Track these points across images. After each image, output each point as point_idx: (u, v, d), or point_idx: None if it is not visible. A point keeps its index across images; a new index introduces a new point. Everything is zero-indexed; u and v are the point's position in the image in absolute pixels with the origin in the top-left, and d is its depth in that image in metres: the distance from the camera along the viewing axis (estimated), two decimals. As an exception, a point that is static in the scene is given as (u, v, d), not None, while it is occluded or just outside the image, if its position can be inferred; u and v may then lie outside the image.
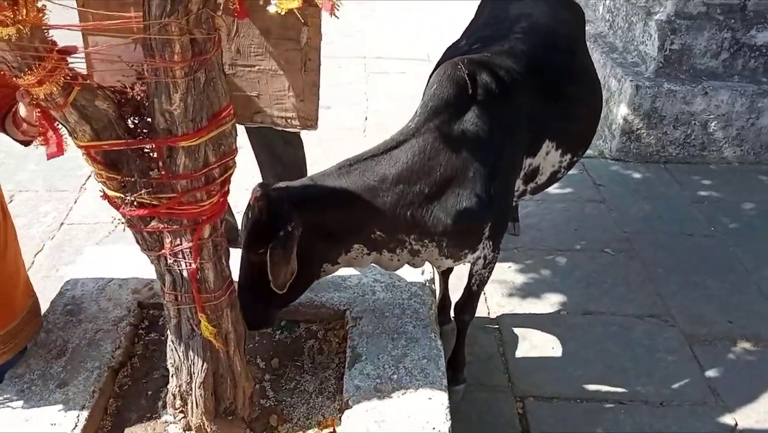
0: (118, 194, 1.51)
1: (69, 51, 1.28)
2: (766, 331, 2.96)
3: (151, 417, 1.98)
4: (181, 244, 1.61)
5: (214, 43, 1.29)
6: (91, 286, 2.37)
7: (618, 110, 4.25)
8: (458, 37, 2.61)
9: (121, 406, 2.03)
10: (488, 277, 2.26)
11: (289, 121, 1.59)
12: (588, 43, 4.65)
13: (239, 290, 1.87)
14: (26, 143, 1.85)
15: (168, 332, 1.83)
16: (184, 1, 1.15)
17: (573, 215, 3.76)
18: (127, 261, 2.41)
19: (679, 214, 3.79)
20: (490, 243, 2.10)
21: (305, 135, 4.29)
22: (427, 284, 2.35)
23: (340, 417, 1.91)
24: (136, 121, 1.44)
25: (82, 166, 2.38)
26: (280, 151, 2.83)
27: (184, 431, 1.92)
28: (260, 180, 3.04)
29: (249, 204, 1.86)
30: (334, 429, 1.92)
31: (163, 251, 1.63)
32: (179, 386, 1.87)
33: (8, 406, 1.91)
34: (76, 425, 1.86)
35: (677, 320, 3.01)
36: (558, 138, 2.28)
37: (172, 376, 1.88)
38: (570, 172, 4.04)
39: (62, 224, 3.60)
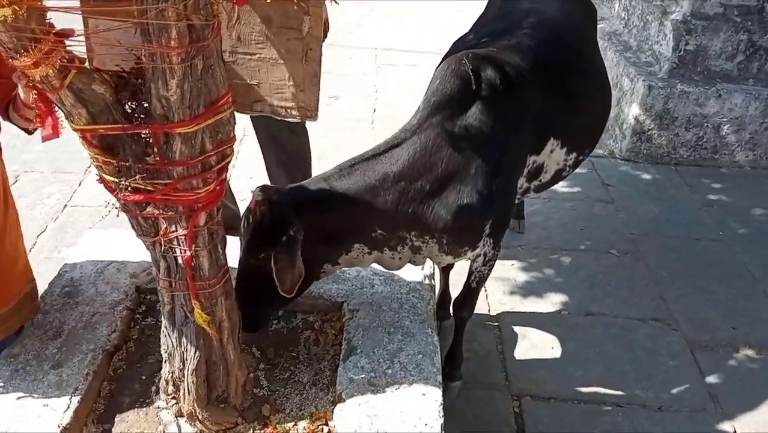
0: (113, 179, 1.50)
1: (66, 34, 1.27)
2: (770, 339, 2.93)
3: (144, 402, 1.99)
4: (176, 231, 1.60)
5: (213, 29, 1.28)
6: (90, 269, 2.38)
7: (630, 110, 4.19)
8: (467, 31, 2.58)
9: (115, 389, 2.04)
10: (488, 274, 2.24)
11: (288, 111, 1.57)
12: (602, 42, 4.63)
13: (236, 294, 1.86)
14: (31, 131, 1.85)
15: (162, 317, 1.83)
16: (181, -14, 1.13)
17: (580, 215, 3.72)
18: (126, 245, 2.41)
19: (687, 217, 3.74)
20: (491, 240, 2.08)
21: (313, 125, 4.29)
22: (426, 279, 2.34)
23: (333, 410, 1.91)
24: (134, 106, 1.43)
25: (86, 149, 2.38)
26: (284, 139, 2.81)
27: (176, 417, 1.92)
28: (264, 168, 3.04)
29: (248, 208, 1.85)
30: (326, 421, 1.92)
31: (158, 237, 1.63)
32: (172, 373, 1.87)
33: (1, 387, 1.91)
34: (68, 407, 1.86)
35: (680, 325, 2.98)
36: (563, 136, 2.25)
37: (165, 362, 1.89)
38: (579, 171, 4.02)
39: (66, 205, 3.61)
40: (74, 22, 1.44)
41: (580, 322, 2.97)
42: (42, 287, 2.27)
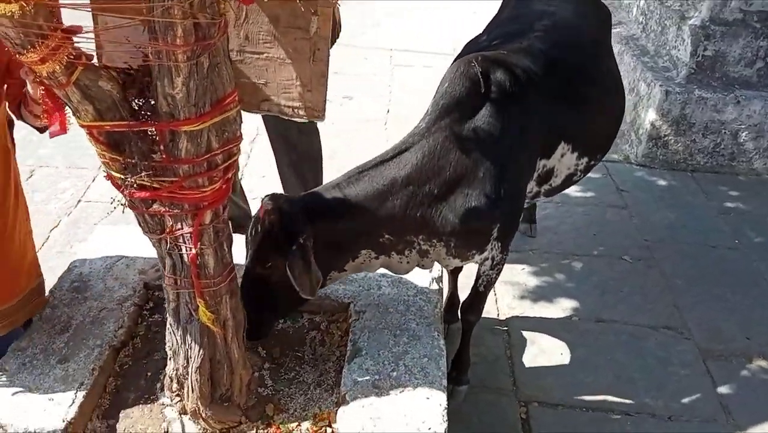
0: (120, 175, 1.51)
1: (74, 30, 1.27)
2: (785, 350, 2.87)
3: (149, 398, 1.99)
4: (182, 228, 1.60)
5: (219, 28, 1.27)
6: (99, 264, 2.39)
7: (646, 115, 4.14)
8: (480, 32, 2.56)
9: (121, 385, 2.04)
10: (496, 278, 2.21)
11: (295, 110, 1.57)
12: (619, 46, 4.59)
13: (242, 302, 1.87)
14: (43, 130, 1.87)
15: (167, 315, 1.83)
16: (187, -16, 1.13)
17: (593, 220, 3.68)
18: (136, 241, 2.41)
19: (703, 224, 3.69)
20: (499, 244, 2.06)
21: (326, 125, 4.30)
22: (434, 282, 2.32)
23: (336, 411, 1.90)
24: (140, 104, 1.43)
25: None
26: (294, 139, 2.81)
27: (180, 414, 1.92)
28: (276, 168, 3.04)
29: (256, 217, 1.84)
30: (329, 423, 1.91)
31: (164, 234, 1.63)
32: (176, 370, 1.87)
33: (8, 379, 1.93)
34: (74, 402, 1.87)
35: (693, 333, 2.93)
36: (574, 140, 2.22)
37: (169, 359, 1.89)
38: (593, 175, 4.02)
39: (79, 201, 3.64)
40: (85, 19, 1.45)
41: (591, 328, 2.93)
42: (53, 281, 2.29)
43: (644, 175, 4.14)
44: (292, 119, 1.60)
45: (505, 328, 2.91)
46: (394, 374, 1.96)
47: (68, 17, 1.42)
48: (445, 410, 1.86)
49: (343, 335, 2.20)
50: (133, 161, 1.46)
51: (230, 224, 3.15)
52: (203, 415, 1.86)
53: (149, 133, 1.46)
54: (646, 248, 3.46)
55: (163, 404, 1.96)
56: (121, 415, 1.95)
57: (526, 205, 2.26)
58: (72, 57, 1.25)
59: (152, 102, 1.41)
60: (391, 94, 4.87)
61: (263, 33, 1.46)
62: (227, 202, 1.67)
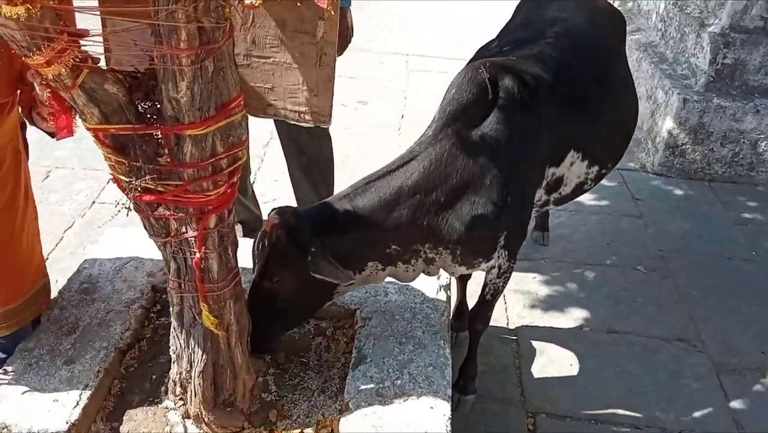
0: (125, 178, 1.51)
1: (80, 34, 1.27)
2: (802, 366, 2.81)
3: (153, 401, 1.99)
4: (187, 232, 1.60)
5: (224, 32, 1.27)
6: (108, 266, 2.40)
7: (663, 123, 4.09)
8: (493, 38, 2.54)
9: (126, 387, 2.04)
10: (503, 287, 2.19)
11: (302, 115, 1.56)
12: (637, 52, 4.54)
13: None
14: (54, 134, 1.87)
15: (171, 318, 1.83)
16: (191, -12, 1.13)
17: (607, 229, 3.64)
18: (146, 244, 2.39)
19: (719, 235, 3.63)
20: (506, 252, 2.03)
21: (340, 130, 4.31)
22: (442, 290, 2.30)
23: (339, 419, 1.88)
24: (146, 107, 1.43)
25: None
26: (304, 144, 2.81)
27: (183, 418, 1.91)
28: (288, 172, 3.04)
29: (264, 231, 1.84)
30: (332, 430, 1.89)
31: (169, 238, 1.63)
32: (179, 374, 1.87)
33: (14, 380, 1.94)
34: (78, 404, 1.87)
35: (707, 346, 2.88)
36: (584, 149, 2.19)
37: (173, 363, 1.88)
38: (608, 184, 3.98)
39: (93, 202, 3.66)
40: (96, 22, 1.46)
41: (602, 339, 2.89)
42: (65, 282, 2.30)
43: (660, 184, 4.08)
44: (299, 124, 1.59)
45: (515, 337, 2.88)
46: (399, 382, 1.94)
47: (81, 20, 1.44)
48: (449, 420, 1.84)
49: (349, 342, 2.19)
50: (138, 165, 1.45)
51: (242, 228, 3.20)
52: (206, 419, 1.85)
53: (155, 136, 1.46)
54: (661, 258, 3.41)
55: (166, 408, 1.95)
56: (125, 418, 1.95)
57: (535, 214, 2.23)
58: (78, 60, 1.25)
59: (158, 106, 1.41)
60: (406, 100, 4.86)
61: (270, 37, 1.45)
62: (233, 206, 1.66)
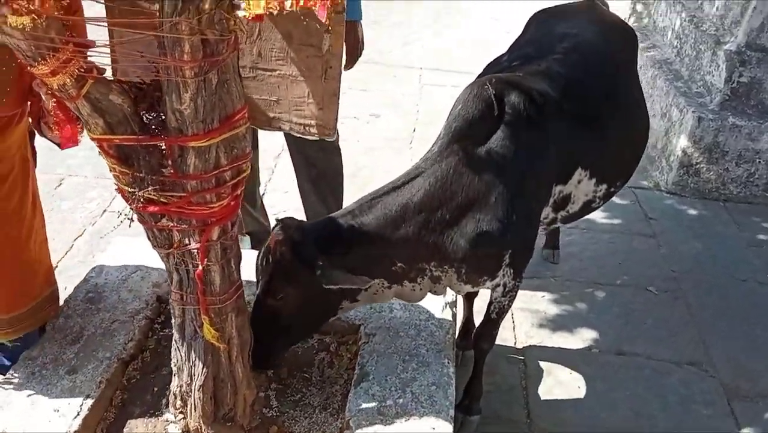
0: (129, 189, 1.50)
1: (86, 44, 1.27)
2: (817, 393, 2.74)
3: (153, 414, 1.98)
4: (189, 244, 1.59)
5: (228, 45, 1.27)
6: (115, 275, 2.40)
7: (678, 142, 4.04)
8: (502, 53, 2.52)
9: (127, 399, 2.03)
10: (509, 305, 2.15)
11: (307, 128, 1.55)
12: (652, 70, 4.50)
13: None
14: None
15: (173, 330, 1.81)
16: (195, 1, 1.12)
17: (619, 248, 3.58)
18: (153, 254, 2.40)
19: (733, 256, 3.56)
20: (511, 271, 2.00)
21: (351, 142, 4.32)
22: (447, 307, 2.27)
23: (339, 437, 1.86)
24: (151, 118, 1.43)
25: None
26: (313, 156, 2.80)
27: (183, 431, 1.90)
28: (297, 184, 3.03)
29: (267, 247, 1.82)
30: (332, 448, 1.87)
31: (172, 249, 1.62)
32: (180, 387, 1.85)
33: (17, 387, 1.93)
34: (78, 414, 1.87)
35: (718, 371, 2.82)
36: (592, 167, 2.16)
37: (174, 375, 1.87)
38: (620, 202, 3.93)
39: (105, 211, 3.68)
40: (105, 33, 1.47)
41: (611, 361, 2.84)
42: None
43: (674, 204, 4.02)
44: (304, 137, 1.58)
45: (522, 357, 2.83)
46: (401, 401, 1.91)
47: (91, 30, 1.44)
48: (451, 441, 1.81)
49: (352, 358, 2.16)
50: (142, 175, 1.45)
51: (250, 240, 3.19)
52: (205, 434, 1.84)
53: (159, 147, 1.46)
54: (673, 279, 3.36)
55: (167, 421, 1.94)
56: (125, 429, 1.93)
57: (542, 231, 2.20)
58: (82, 70, 1.25)
59: (162, 117, 1.41)
60: (419, 113, 4.85)
61: (276, 50, 1.45)
62: (237, 218, 1.65)
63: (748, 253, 3.60)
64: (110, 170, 1.51)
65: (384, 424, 1.84)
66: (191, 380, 1.80)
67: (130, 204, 1.55)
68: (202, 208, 1.53)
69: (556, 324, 3.02)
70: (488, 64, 2.43)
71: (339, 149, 2.93)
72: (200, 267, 1.61)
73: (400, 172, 2.00)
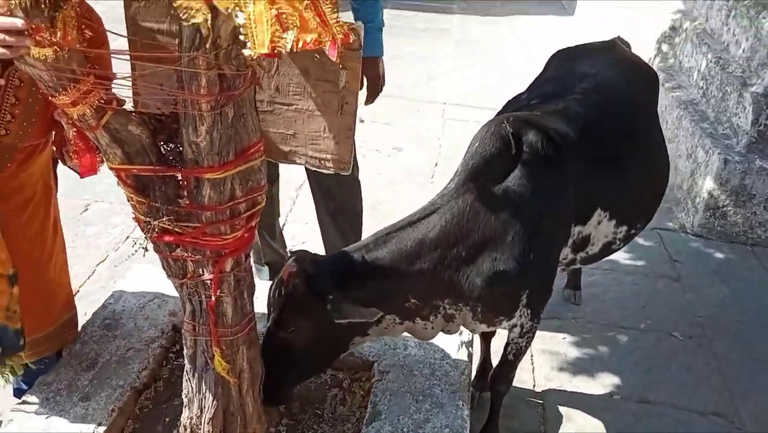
0: (145, 218, 1.51)
1: (107, 76, 1.30)
2: None
3: (163, 444, 1.96)
4: (203, 274, 1.59)
5: (245, 79, 1.28)
6: (132, 302, 2.41)
7: (703, 183, 3.98)
8: (522, 91, 2.52)
9: (138, 428, 2.02)
10: (526, 347, 2.11)
11: (322, 162, 1.56)
12: (678, 110, 4.46)
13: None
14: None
15: (185, 361, 1.81)
16: (212, 37, 1.14)
17: (642, 291, 3.51)
18: (170, 282, 2.44)
19: (761, 303, 3.45)
20: (528, 311, 1.96)
21: (372, 175, 4.33)
22: (463, 346, 2.23)
23: (348, 477, 1.82)
24: (169, 149, 1.44)
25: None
26: (332, 190, 2.82)
27: (191, 464, 1.87)
28: (317, 218, 3.04)
29: (280, 279, 1.82)
30: (340, 488, 1.82)
31: (186, 279, 1.62)
32: (190, 418, 1.83)
33: (30, 413, 1.94)
34: (88, 443, 1.86)
35: (745, 423, 2.71)
36: (612, 208, 2.13)
37: (185, 407, 1.85)
38: (645, 243, 3.86)
39: (128, 237, 3.72)
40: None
41: (633, 409, 2.75)
42: (93, 316, 2.33)
43: (700, 247, 3.94)
44: (319, 170, 1.59)
45: (541, 401, 2.76)
46: (413, 442, 1.87)
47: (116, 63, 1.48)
48: (463, 488, 1.75)
49: (365, 395, 2.13)
50: (158, 205, 1.46)
51: (269, 270, 3.19)
52: (213, 468, 1.81)
53: (176, 178, 1.47)
54: (698, 325, 3.26)
55: (176, 452, 1.92)
56: (134, 459, 1.92)
57: (561, 272, 2.16)
58: (102, 101, 1.28)
59: (179, 148, 1.42)
60: (441, 148, 4.86)
61: (293, 85, 1.47)
62: (250, 250, 1.65)
63: (776, 299, 3.50)
64: (128, 199, 1.53)
65: (394, 466, 1.79)
66: (201, 412, 1.78)
67: (146, 233, 1.56)
68: (216, 239, 1.53)
69: (576, 368, 2.95)
70: (507, 102, 2.43)
71: (359, 182, 2.94)
72: (212, 298, 1.60)
73: (420, 205, 1.98)
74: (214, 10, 1.03)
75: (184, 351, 1.78)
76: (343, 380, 2.20)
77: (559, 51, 2.72)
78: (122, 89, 1.39)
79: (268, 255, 3.14)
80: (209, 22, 1.04)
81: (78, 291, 3.27)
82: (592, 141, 2.09)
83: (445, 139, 4.99)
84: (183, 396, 1.86)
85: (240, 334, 1.69)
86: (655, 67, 4.93)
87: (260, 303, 1.81)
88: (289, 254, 3.08)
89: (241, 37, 0.95)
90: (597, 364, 2.97)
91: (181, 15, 1.00)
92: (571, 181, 1.99)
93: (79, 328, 2.27)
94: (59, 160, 1.90)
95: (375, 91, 2.75)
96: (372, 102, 2.78)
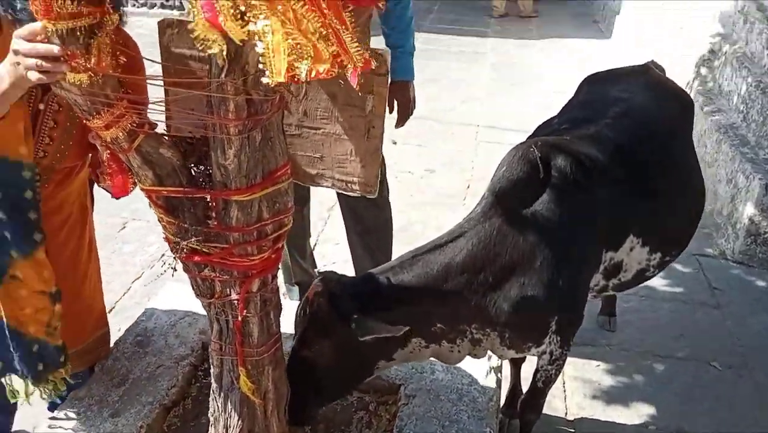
0: (174, 238, 1.55)
1: (140, 101, 1.34)
2: None
3: (189, 463, 1.97)
4: (230, 295, 1.61)
5: (273, 104, 1.30)
6: (164, 320, 2.45)
7: (744, 209, 3.87)
8: (553, 116, 2.51)
9: (165, 446, 2.04)
10: (556, 375, 2.07)
11: (349, 185, 1.57)
12: (717, 134, 4.37)
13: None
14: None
15: (212, 380, 1.82)
16: (241, 63, 1.17)
17: (680, 318, 3.41)
18: (202, 301, 2.48)
19: (806, 333, 3.33)
20: (558, 338, 1.93)
21: (405, 196, 4.34)
22: (492, 372, 2.20)
23: (371, 503, 1.80)
24: (198, 171, 1.47)
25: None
26: (361, 211, 2.83)
27: (216, 484, 1.88)
28: (347, 239, 3.06)
29: (306, 299, 1.84)
30: None
31: (214, 299, 1.64)
32: (215, 438, 1.84)
33: (61, 428, 1.97)
34: (115, 459, 1.88)
35: (788, 458, 2.60)
36: (645, 234, 2.08)
37: (210, 426, 1.87)
38: (683, 270, 3.77)
39: (163, 254, 3.79)
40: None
41: (669, 440, 2.67)
42: (127, 332, 2.37)
43: (741, 274, 3.82)
44: (345, 193, 1.60)
45: (573, 430, 2.69)
46: (438, 469, 1.84)
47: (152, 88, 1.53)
48: None
49: (391, 419, 2.11)
50: (187, 226, 1.49)
51: (299, 290, 3.21)
52: (236, 489, 1.81)
53: (205, 200, 1.50)
54: (739, 355, 3.15)
55: (201, 471, 1.93)
56: (160, 477, 1.94)
57: (594, 299, 2.12)
58: (135, 125, 1.32)
59: (209, 171, 1.45)
60: (473, 170, 4.85)
61: (321, 109, 1.49)
62: (277, 271, 1.67)
63: (821, 329, 3.36)
64: (158, 220, 1.56)
65: (418, 492, 1.77)
66: (227, 431, 1.79)
67: (175, 253, 1.59)
68: (243, 260, 1.55)
69: (610, 396, 2.87)
70: (538, 126, 2.42)
71: (389, 204, 2.95)
72: (239, 318, 1.62)
73: (451, 227, 1.97)
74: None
75: (211, 370, 1.80)
76: (369, 403, 2.19)
77: (590, 75, 2.70)
78: (155, 113, 1.44)
79: (299, 275, 3.16)
80: (224, 52, 1.07)
81: (114, 307, 3.34)
82: (623, 166, 2.06)
83: (477, 161, 4.98)
84: (209, 415, 1.87)
85: (266, 354, 1.70)
86: (693, 91, 4.87)
87: (289, 323, 1.82)
88: (318, 274, 3.11)
89: (260, 66, 0.97)
90: (632, 393, 2.90)
91: (198, 46, 1.03)
92: (601, 207, 1.96)
93: (113, 343, 2.32)
94: (95, 181, 1.96)
95: (405, 114, 2.77)
96: (402, 125, 2.80)
